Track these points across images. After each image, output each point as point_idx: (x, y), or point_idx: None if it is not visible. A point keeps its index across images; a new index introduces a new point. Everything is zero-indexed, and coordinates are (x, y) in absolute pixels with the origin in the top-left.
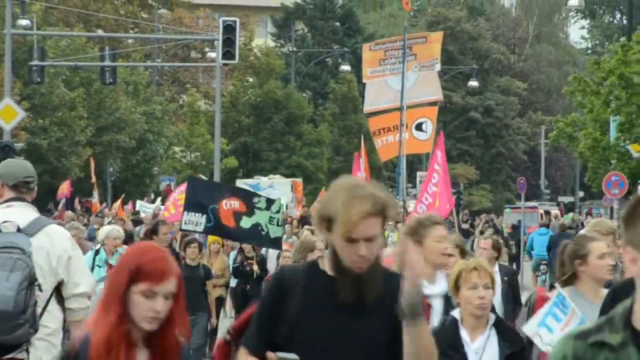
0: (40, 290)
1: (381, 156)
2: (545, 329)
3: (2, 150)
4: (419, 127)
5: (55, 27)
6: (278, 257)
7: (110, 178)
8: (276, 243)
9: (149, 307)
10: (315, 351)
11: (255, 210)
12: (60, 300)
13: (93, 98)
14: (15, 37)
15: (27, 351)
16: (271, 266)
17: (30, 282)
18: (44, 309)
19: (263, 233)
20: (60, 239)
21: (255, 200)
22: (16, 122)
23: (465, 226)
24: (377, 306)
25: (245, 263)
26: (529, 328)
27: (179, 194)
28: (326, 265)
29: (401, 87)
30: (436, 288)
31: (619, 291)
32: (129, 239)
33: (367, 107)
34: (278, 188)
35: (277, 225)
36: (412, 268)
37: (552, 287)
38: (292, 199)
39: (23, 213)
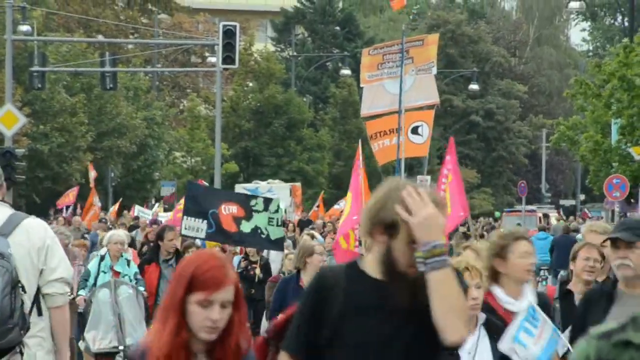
0: (24, 291)
1: (378, 160)
2: (519, 345)
3: (3, 157)
4: (414, 131)
5: (56, 33)
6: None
7: (111, 183)
8: (277, 244)
9: (205, 316)
10: (359, 355)
11: (253, 213)
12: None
13: (94, 103)
14: (16, 42)
15: (21, 352)
16: (275, 267)
17: (13, 285)
18: (32, 305)
19: (263, 236)
20: (36, 231)
21: (252, 203)
22: (17, 128)
23: (462, 229)
24: (423, 310)
25: (249, 267)
26: (504, 345)
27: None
28: (367, 267)
29: (399, 90)
30: (523, 303)
31: (592, 299)
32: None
33: (364, 111)
34: (277, 192)
35: (277, 225)
36: (419, 213)
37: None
38: (291, 203)
39: None
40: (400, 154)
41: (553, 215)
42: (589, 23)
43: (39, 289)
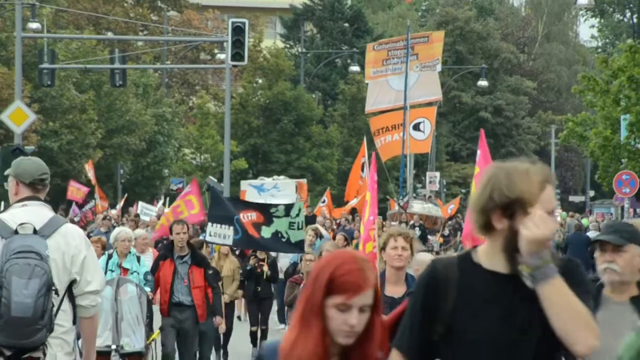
0: (57, 294)
1: (381, 156)
2: None
3: (12, 154)
4: (416, 127)
5: (66, 30)
6: (301, 260)
7: (120, 180)
8: (298, 247)
9: (343, 320)
10: (478, 351)
11: (274, 219)
12: (72, 298)
13: (103, 100)
14: (26, 40)
15: (44, 353)
16: (284, 262)
17: (48, 288)
18: (58, 307)
19: (283, 240)
20: (74, 239)
21: (273, 210)
22: (27, 124)
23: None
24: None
25: (256, 265)
26: None
27: (178, 199)
28: (482, 259)
29: (404, 86)
30: None
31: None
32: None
33: (369, 107)
34: (282, 189)
35: (298, 229)
36: (532, 226)
37: None
38: (297, 200)
39: (38, 213)
40: (405, 149)
41: (557, 212)
42: (597, 19)
43: (65, 294)
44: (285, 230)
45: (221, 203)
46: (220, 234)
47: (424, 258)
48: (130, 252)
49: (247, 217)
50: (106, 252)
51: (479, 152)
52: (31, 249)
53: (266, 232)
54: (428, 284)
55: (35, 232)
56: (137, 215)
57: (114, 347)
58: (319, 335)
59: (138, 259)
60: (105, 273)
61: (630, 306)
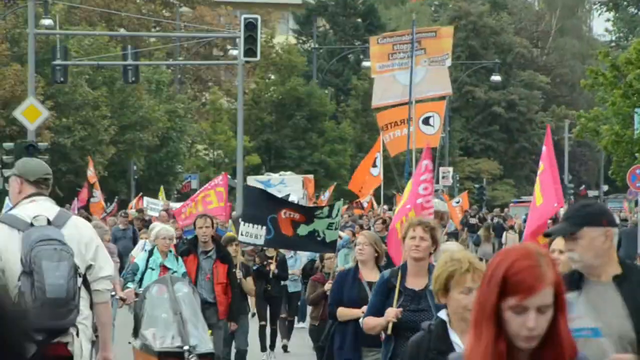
0: (80, 277)
1: (390, 151)
2: None
3: (26, 150)
4: (426, 122)
5: (78, 27)
6: (322, 258)
7: (133, 176)
8: (331, 246)
9: (520, 323)
10: None
11: (315, 219)
12: (87, 285)
13: (116, 97)
14: (38, 36)
15: (77, 334)
16: (304, 260)
17: (75, 270)
18: (78, 294)
19: (319, 239)
20: (85, 228)
21: (317, 212)
22: (40, 121)
23: (473, 221)
24: None
25: (265, 263)
26: None
27: (207, 189)
28: None
29: (409, 81)
30: None
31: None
32: None
33: (376, 102)
34: (289, 184)
35: (335, 229)
36: None
37: None
38: (304, 195)
39: (47, 206)
40: (411, 144)
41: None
42: (612, 13)
43: (84, 280)
44: (323, 229)
45: (256, 202)
46: (252, 234)
47: (448, 248)
48: (170, 251)
49: (288, 215)
50: (146, 249)
51: (544, 148)
52: (51, 237)
53: (303, 230)
54: None
55: (49, 223)
56: (141, 211)
57: (186, 347)
58: (491, 341)
59: (177, 258)
60: (145, 270)
61: (613, 286)
